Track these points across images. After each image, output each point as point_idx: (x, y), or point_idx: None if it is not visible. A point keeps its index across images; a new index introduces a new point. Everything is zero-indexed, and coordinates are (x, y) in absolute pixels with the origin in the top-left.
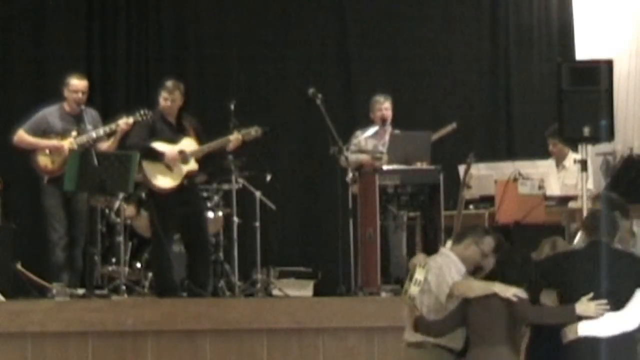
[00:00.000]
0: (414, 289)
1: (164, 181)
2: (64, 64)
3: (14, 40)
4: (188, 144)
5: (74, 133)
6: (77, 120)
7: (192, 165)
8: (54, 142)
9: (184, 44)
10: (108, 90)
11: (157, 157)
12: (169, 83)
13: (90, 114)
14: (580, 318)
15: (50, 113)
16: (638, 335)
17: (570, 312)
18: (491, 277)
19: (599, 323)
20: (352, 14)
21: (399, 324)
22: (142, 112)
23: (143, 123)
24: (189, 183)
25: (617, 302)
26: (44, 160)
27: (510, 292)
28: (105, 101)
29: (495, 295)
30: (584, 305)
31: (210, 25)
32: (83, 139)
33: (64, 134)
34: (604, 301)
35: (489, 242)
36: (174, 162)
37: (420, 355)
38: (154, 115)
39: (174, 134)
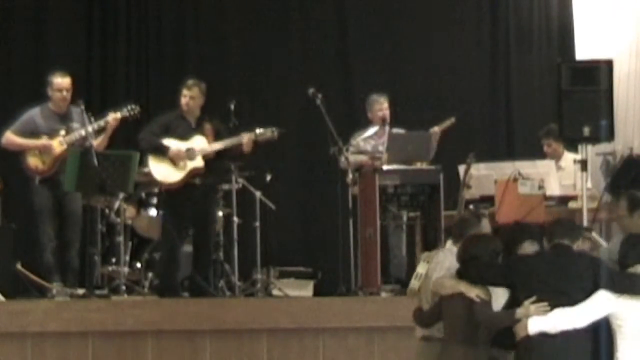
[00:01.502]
0: (414, 283)
1: (166, 175)
2: (64, 64)
3: (14, 40)
4: (198, 142)
5: (62, 132)
6: (63, 118)
7: (198, 163)
8: (42, 142)
9: (184, 44)
10: (108, 91)
11: (162, 151)
12: (189, 81)
13: (76, 111)
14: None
15: (36, 113)
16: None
17: (510, 316)
18: (463, 270)
19: (548, 319)
20: (352, 14)
21: (399, 323)
22: (129, 107)
23: (158, 121)
24: (201, 182)
25: (573, 304)
26: (34, 161)
27: (474, 292)
28: (105, 101)
29: (460, 295)
30: (523, 309)
31: (210, 25)
32: (72, 137)
33: (51, 134)
34: (544, 303)
35: (486, 226)
36: (178, 157)
37: (428, 348)
38: (172, 114)
39: (188, 133)
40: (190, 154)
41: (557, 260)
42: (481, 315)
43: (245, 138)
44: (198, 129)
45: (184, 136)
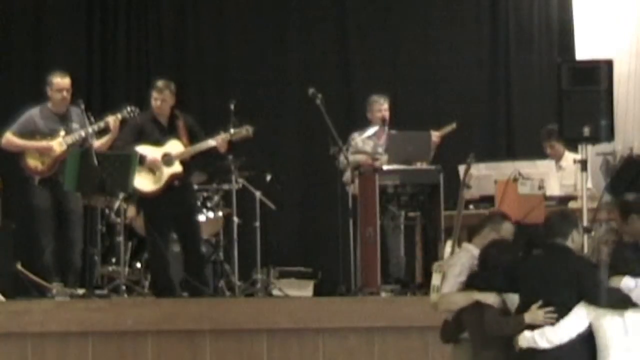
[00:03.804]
0: (433, 296)
1: (145, 184)
2: (63, 64)
3: (14, 40)
4: (173, 146)
5: (62, 133)
6: (62, 119)
7: (176, 168)
8: (43, 143)
9: (183, 44)
10: (108, 91)
11: (139, 161)
12: (159, 82)
13: (76, 112)
14: (532, 327)
15: (35, 113)
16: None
17: (520, 321)
18: (471, 277)
19: (532, 337)
20: (353, 14)
21: (399, 323)
22: (129, 109)
23: (131, 125)
24: (180, 184)
25: (561, 305)
26: (33, 162)
27: (490, 299)
28: (105, 102)
29: (477, 303)
30: (532, 314)
31: (210, 25)
32: (72, 137)
33: (51, 134)
34: (551, 308)
35: (507, 228)
36: (155, 165)
37: (460, 350)
38: (144, 116)
39: (163, 136)
40: (167, 160)
41: (547, 263)
42: (490, 322)
43: (219, 140)
44: (171, 129)
45: (159, 140)
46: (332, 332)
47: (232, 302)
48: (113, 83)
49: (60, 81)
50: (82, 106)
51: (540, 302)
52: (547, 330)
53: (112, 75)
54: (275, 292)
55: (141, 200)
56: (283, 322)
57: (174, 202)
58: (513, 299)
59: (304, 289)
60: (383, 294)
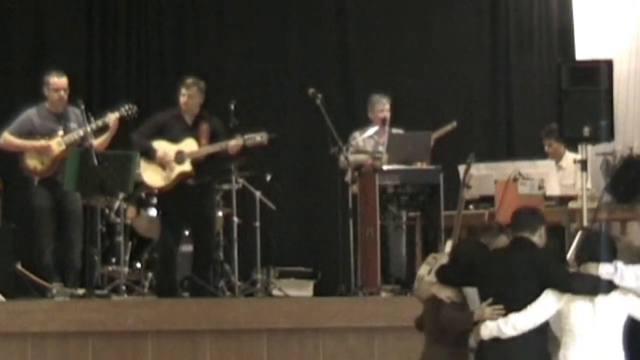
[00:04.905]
0: (416, 284)
1: (153, 179)
2: (63, 64)
3: (14, 39)
4: (188, 145)
5: (60, 132)
6: (60, 118)
7: (186, 167)
8: (41, 142)
9: (184, 44)
10: (108, 91)
11: (150, 154)
12: (188, 79)
13: (74, 112)
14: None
15: (33, 113)
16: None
17: (468, 318)
18: (439, 270)
19: (495, 325)
20: (352, 14)
21: (399, 323)
22: (127, 106)
23: (154, 120)
24: (195, 183)
25: (521, 297)
26: (32, 162)
27: (445, 293)
28: (105, 101)
29: (434, 297)
30: (479, 311)
31: (210, 25)
32: (71, 137)
33: (49, 134)
34: (499, 306)
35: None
36: (166, 161)
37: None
38: (171, 112)
39: (182, 133)
40: (179, 157)
41: (508, 256)
42: (444, 316)
43: (233, 143)
44: (193, 129)
45: (177, 137)
46: (332, 332)
47: (232, 302)
48: (113, 83)
49: (57, 80)
50: (82, 106)
51: (490, 300)
52: (513, 316)
53: (112, 75)
54: (275, 292)
55: (158, 197)
56: (283, 322)
57: (189, 201)
58: (474, 294)
59: (304, 289)
60: (383, 294)
